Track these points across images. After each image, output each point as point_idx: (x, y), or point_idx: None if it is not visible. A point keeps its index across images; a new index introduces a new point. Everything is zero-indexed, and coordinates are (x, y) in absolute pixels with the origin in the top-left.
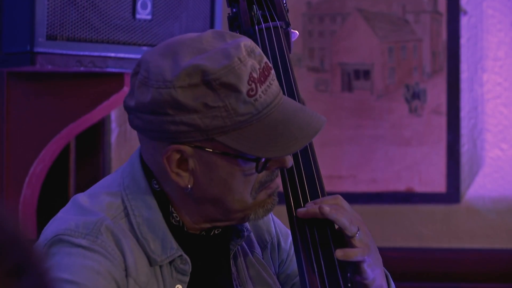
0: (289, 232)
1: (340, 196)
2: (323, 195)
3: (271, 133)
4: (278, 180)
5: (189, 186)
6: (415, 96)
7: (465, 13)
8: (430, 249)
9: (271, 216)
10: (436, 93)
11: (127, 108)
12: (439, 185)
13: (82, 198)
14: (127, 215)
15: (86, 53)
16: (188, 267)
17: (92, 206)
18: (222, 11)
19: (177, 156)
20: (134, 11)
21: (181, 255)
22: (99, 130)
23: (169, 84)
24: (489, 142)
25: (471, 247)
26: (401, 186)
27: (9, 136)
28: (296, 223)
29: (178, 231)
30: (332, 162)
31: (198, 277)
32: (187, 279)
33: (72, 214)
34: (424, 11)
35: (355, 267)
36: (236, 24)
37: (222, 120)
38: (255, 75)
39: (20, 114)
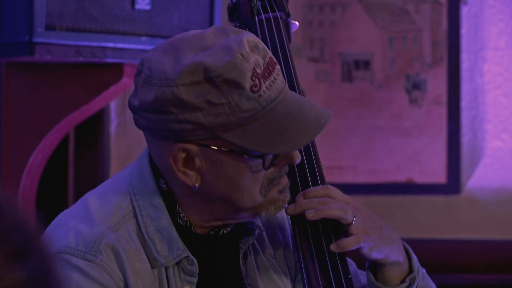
0: None
1: (329, 186)
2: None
3: (277, 129)
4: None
5: (196, 185)
6: (415, 86)
7: (466, 3)
8: (430, 240)
9: (284, 213)
10: (436, 83)
11: (131, 108)
12: (439, 175)
13: (92, 200)
14: (135, 215)
15: (85, 43)
16: (195, 268)
17: (100, 210)
18: (222, 1)
19: (183, 155)
20: (133, 1)
21: (187, 256)
22: (98, 120)
23: (172, 82)
24: (489, 132)
25: (472, 238)
26: (401, 177)
27: (8, 127)
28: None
29: (185, 232)
30: (332, 152)
31: (207, 278)
32: (195, 280)
33: (76, 220)
34: (424, 1)
35: (359, 253)
36: (235, 15)
37: (226, 117)
38: (258, 71)
39: (19, 104)
